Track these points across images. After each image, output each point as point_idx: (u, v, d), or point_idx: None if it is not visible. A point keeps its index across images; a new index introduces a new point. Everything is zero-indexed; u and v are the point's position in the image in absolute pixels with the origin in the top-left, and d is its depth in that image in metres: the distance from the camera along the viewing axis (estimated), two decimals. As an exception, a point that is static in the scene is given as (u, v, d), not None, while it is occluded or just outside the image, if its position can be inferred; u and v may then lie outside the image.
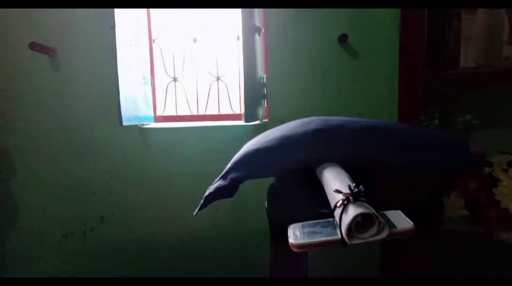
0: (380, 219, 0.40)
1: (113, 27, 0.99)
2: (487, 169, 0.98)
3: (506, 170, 0.97)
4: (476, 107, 1.00)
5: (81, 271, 1.15)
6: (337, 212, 0.43)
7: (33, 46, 1.08)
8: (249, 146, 0.68)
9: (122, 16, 1.02)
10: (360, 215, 0.40)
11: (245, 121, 1.06)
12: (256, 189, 0.85)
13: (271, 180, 0.72)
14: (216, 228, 1.14)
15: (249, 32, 1.03)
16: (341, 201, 0.43)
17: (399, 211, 0.45)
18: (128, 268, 1.13)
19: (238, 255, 1.14)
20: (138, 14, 1.10)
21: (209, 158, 1.09)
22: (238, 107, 1.20)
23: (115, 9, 0.99)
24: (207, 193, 0.66)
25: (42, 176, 1.13)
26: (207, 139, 1.10)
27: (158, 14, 1.18)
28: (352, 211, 0.40)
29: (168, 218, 1.14)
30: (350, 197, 0.42)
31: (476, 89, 1.04)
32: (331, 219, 0.46)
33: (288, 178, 0.67)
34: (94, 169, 1.12)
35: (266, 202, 0.72)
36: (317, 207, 0.54)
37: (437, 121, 0.99)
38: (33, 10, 1.10)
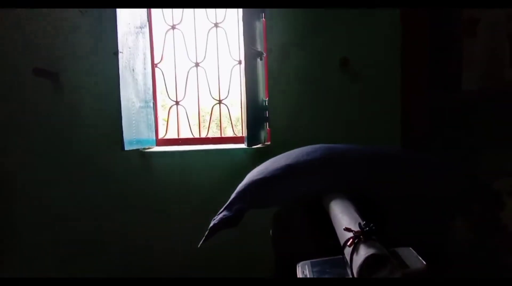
0: (392, 260, 0.39)
1: (116, 52, 0.99)
2: (492, 193, 0.97)
3: (511, 194, 0.96)
4: (481, 129, 0.99)
5: None
6: (347, 251, 0.42)
7: (37, 71, 1.08)
8: (253, 175, 0.67)
9: (125, 41, 1.02)
10: (372, 256, 0.39)
11: (248, 144, 1.06)
12: (260, 217, 0.84)
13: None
14: (218, 254, 1.12)
15: (250, 56, 1.04)
16: (351, 240, 0.42)
17: (411, 248, 0.44)
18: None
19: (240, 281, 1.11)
20: (141, 39, 1.11)
21: (211, 181, 1.08)
22: (240, 131, 1.20)
23: (119, 36, 0.99)
24: (211, 224, 0.65)
25: (40, 201, 1.12)
26: (209, 162, 1.09)
27: (161, 38, 1.19)
28: (364, 252, 0.40)
29: (169, 242, 1.12)
30: (361, 236, 0.41)
31: (480, 110, 1.04)
32: (340, 256, 0.45)
33: (294, 207, 0.66)
34: (96, 193, 1.12)
35: (270, 231, 0.71)
36: (324, 237, 0.53)
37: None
38: (36, 36, 1.11)
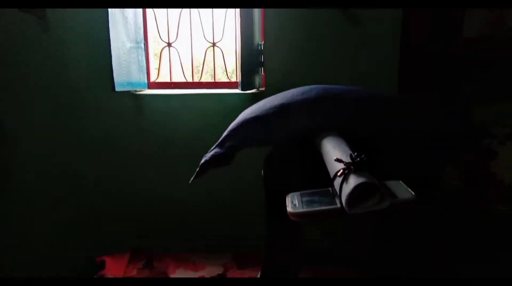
0: (382, 189, 0.39)
1: (105, -13, 0.94)
2: (484, 142, 0.98)
3: (503, 143, 0.97)
4: (477, 79, 0.98)
5: (74, 238, 1.15)
6: (337, 182, 0.42)
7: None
8: (247, 113, 0.66)
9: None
10: (362, 185, 0.39)
11: (242, 89, 1.04)
12: (254, 164, 0.83)
13: (267, 149, 0.70)
14: (212, 200, 1.13)
15: (247, -4, 0.99)
16: (341, 170, 0.41)
17: (400, 181, 0.44)
18: (121, 235, 1.13)
19: (233, 228, 1.14)
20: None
21: (204, 126, 1.07)
22: (235, 75, 1.17)
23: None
24: (203, 161, 0.65)
25: (31, 144, 1.11)
26: (203, 107, 1.08)
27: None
28: (354, 181, 0.39)
29: (162, 186, 1.12)
30: (352, 167, 0.41)
31: (478, 60, 1.02)
32: (330, 188, 0.45)
33: (286, 147, 0.65)
34: (87, 135, 1.10)
35: (262, 172, 0.71)
36: (315, 176, 0.53)
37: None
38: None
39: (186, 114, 1.08)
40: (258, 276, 0.76)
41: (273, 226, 0.63)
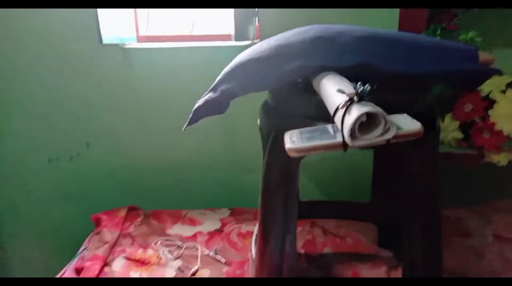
0: (387, 117, 0.37)
1: None
2: (484, 90, 0.95)
3: (504, 92, 0.95)
4: (479, 25, 0.94)
5: (70, 197, 1.13)
6: (338, 115, 0.40)
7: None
8: (241, 57, 0.62)
9: None
10: (365, 115, 0.37)
11: (236, 40, 1.00)
12: (248, 113, 0.81)
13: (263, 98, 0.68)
14: (206, 155, 1.12)
15: None
16: (344, 102, 0.39)
17: (406, 114, 0.42)
18: (115, 194, 1.12)
19: (229, 182, 1.13)
20: None
21: (197, 81, 1.03)
22: (228, 27, 1.12)
23: None
24: (196, 106, 0.62)
25: (20, 98, 1.07)
26: (195, 61, 1.04)
27: None
28: (356, 110, 0.37)
29: (156, 143, 1.10)
30: (355, 97, 0.38)
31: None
32: (331, 124, 0.43)
33: (284, 92, 0.63)
34: (75, 92, 1.06)
35: (258, 120, 0.69)
36: (315, 120, 0.51)
37: (439, 38, 0.94)
38: None
39: (178, 67, 1.04)
40: (255, 231, 0.75)
41: (269, 176, 0.61)
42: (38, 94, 1.07)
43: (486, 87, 0.90)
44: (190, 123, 0.63)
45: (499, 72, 0.64)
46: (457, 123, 0.95)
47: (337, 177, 1.10)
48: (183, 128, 0.62)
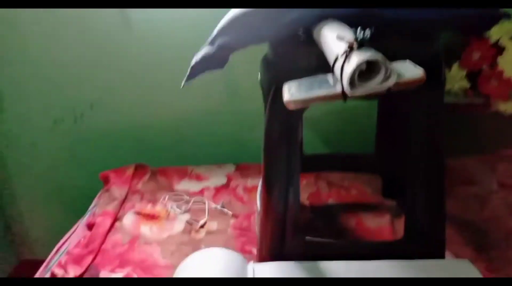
0: (388, 64, 0.36)
1: None
2: (493, 37, 0.92)
3: (513, 38, 0.91)
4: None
5: (76, 156, 1.15)
6: (338, 64, 0.39)
7: None
8: (238, 9, 0.60)
9: None
10: (365, 63, 0.36)
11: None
12: (250, 69, 0.79)
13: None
14: (209, 112, 1.11)
15: None
16: (343, 50, 0.38)
17: (408, 60, 0.40)
18: (121, 153, 1.13)
19: (233, 139, 1.13)
20: None
21: (198, 37, 1.01)
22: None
23: None
24: (193, 62, 0.61)
25: (23, 61, 1.06)
26: (195, 17, 1.00)
27: None
28: (356, 58, 0.36)
29: (159, 102, 1.10)
30: (354, 45, 0.37)
31: None
32: (331, 74, 0.42)
33: (284, 45, 0.61)
34: (76, 53, 1.05)
35: (259, 74, 0.67)
36: (317, 73, 0.50)
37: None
38: None
39: (179, 25, 1.01)
40: (259, 184, 0.76)
41: (271, 131, 0.61)
42: (40, 57, 1.06)
43: (494, 34, 0.87)
44: (188, 79, 0.62)
45: (508, 17, 0.61)
46: (464, 72, 0.93)
47: (341, 130, 1.09)
48: (182, 85, 0.62)
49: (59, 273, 0.68)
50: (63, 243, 0.80)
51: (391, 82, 0.37)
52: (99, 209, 0.86)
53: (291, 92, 0.41)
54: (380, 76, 0.37)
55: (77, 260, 0.72)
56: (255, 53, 0.65)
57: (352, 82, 0.37)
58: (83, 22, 1.01)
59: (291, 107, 0.40)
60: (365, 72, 0.37)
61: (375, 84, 0.37)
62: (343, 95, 0.38)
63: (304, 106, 0.41)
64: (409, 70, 0.38)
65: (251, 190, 0.93)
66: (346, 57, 0.37)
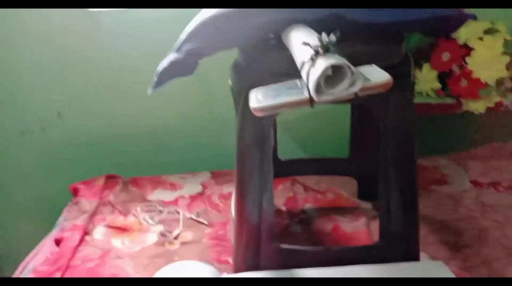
0: (354, 69, 0.35)
1: None
2: (462, 38, 0.94)
3: (481, 39, 0.93)
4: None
5: (44, 168, 1.11)
6: (304, 70, 0.38)
7: None
8: (205, 13, 0.59)
9: None
10: (331, 68, 0.35)
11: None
12: (225, 74, 0.78)
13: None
14: (184, 119, 1.09)
15: None
16: (309, 56, 0.37)
17: (374, 65, 0.40)
18: (92, 162, 1.10)
19: (209, 145, 1.11)
20: None
21: (169, 41, 0.99)
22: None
23: None
24: (160, 68, 0.59)
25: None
26: (169, 21, 0.98)
27: None
28: (322, 63, 0.35)
29: (131, 110, 1.07)
30: (320, 50, 0.36)
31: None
32: (297, 80, 0.41)
33: (253, 50, 0.60)
34: (41, 59, 1.01)
35: (229, 80, 0.66)
36: (285, 77, 0.49)
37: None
38: None
39: (148, 29, 0.99)
40: (233, 191, 0.75)
41: (243, 138, 0.60)
42: (3, 64, 1.01)
43: (463, 35, 0.89)
44: (155, 86, 0.60)
45: (473, 17, 0.62)
46: (435, 73, 0.94)
47: (316, 134, 1.09)
48: (148, 92, 0.60)
49: (25, 292, 0.65)
50: (30, 260, 0.76)
51: (357, 87, 0.36)
52: (68, 223, 0.83)
53: (257, 98, 0.39)
54: (346, 82, 0.36)
55: (44, 278, 0.68)
56: (230, 58, 0.64)
57: (318, 89, 0.36)
58: (47, 26, 0.98)
59: (258, 114, 0.39)
60: (332, 77, 0.37)
61: (342, 90, 0.36)
62: (310, 101, 0.37)
63: (271, 113, 0.40)
64: (376, 75, 0.38)
65: (227, 197, 0.92)
66: (312, 62, 0.37)
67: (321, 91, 0.36)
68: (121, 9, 0.98)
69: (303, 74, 0.39)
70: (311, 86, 0.36)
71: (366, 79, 0.37)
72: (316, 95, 0.36)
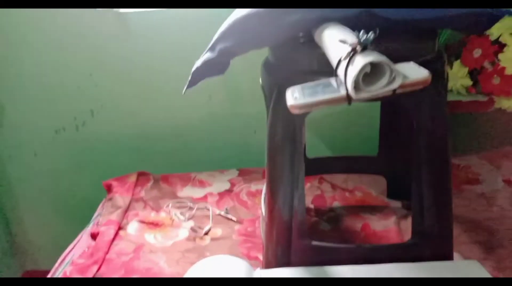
0: (393, 66, 0.36)
1: None
2: (494, 34, 0.92)
3: (514, 34, 0.91)
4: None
5: (78, 165, 1.15)
6: (341, 67, 0.38)
7: None
8: (238, 13, 0.60)
9: None
10: (370, 65, 0.35)
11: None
12: (250, 73, 0.79)
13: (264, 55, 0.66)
14: (211, 117, 1.11)
15: None
16: (346, 53, 0.37)
17: (412, 62, 0.40)
18: (124, 159, 1.13)
19: (235, 143, 1.13)
20: None
21: (198, 42, 1.01)
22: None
23: None
24: (194, 68, 0.60)
25: (20, 69, 1.06)
26: (199, 21, 1.00)
27: None
28: (360, 61, 0.35)
29: (160, 108, 1.10)
30: (358, 47, 0.37)
31: None
32: (334, 78, 0.42)
33: (285, 48, 0.61)
34: (74, 59, 1.04)
35: (260, 79, 0.67)
36: (318, 75, 0.49)
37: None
38: None
39: (178, 29, 1.01)
40: (263, 189, 0.76)
41: (274, 135, 0.61)
42: (38, 65, 1.05)
43: (495, 31, 0.87)
44: (189, 86, 0.61)
45: (509, 13, 0.61)
46: (466, 70, 0.92)
47: (344, 132, 1.09)
48: (183, 92, 0.61)
49: (65, 284, 0.67)
50: (68, 254, 0.79)
51: (396, 84, 0.36)
52: (103, 218, 0.86)
53: (294, 96, 0.40)
54: (385, 79, 0.36)
55: (82, 271, 0.71)
56: (256, 57, 0.65)
57: (356, 86, 0.36)
58: (79, 26, 1.01)
59: (295, 112, 0.40)
60: (370, 74, 0.37)
61: (380, 87, 0.36)
62: (348, 98, 0.38)
63: (308, 110, 0.40)
64: (414, 72, 0.38)
65: (255, 195, 0.93)
66: (350, 59, 0.37)
67: (359, 88, 0.37)
68: (151, 9, 1.01)
69: (340, 71, 0.39)
70: (349, 83, 0.36)
71: (404, 76, 0.37)
72: (354, 92, 0.36)
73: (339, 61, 0.39)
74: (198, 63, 0.61)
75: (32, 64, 1.05)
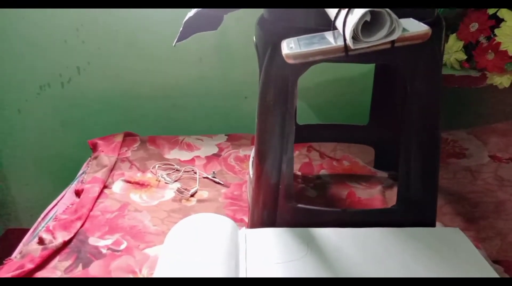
0: (393, 15, 0.34)
1: None
2: (491, 8, 0.90)
3: (512, 9, 0.90)
4: None
5: (63, 123, 1.12)
6: (340, 19, 0.37)
7: None
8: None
9: None
10: (370, 15, 0.34)
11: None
12: (244, 37, 0.77)
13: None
14: (201, 80, 1.09)
15: None
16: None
17: (411, 18, 0.39)
18: (110, 119, 1.11)
19: (225, 107, 1.11)
20: None
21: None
22: None
23: None
24: (186, 18, 0.58)
25: (3, 22, 1.01)
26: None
27: None
28: (360, 9, 0.34)
29: (150, 68, 1.07)
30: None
31: None
32: (331, 31, 0.40)
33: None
34: (61, 14, 1.00)
35: (254, 37, 0.65)
36: (313, 33, 0.48)
37: None
38: None
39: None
40: (252, 153, 0.75)
41: (266, 95, 0.59)
42: (23, 19, 1.01)
43: (493, 5, 0.85)
44: (180, 38, 0.59)
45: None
46: (461, 44, 0.91)
47: (335, 101, 1.08)
48: (174, 43, 0.59)
49: (47, 238, 0.67)
50: (51, 210, 0.78)
51: (395, 35, 0.35)
52: (88, 176, 0.84)
53: (290, 46, 0.39)
54: (384, 30, 0.35)
55: (65, 226, 0.70)
56: (250, 18, 0.63)
57: (355, 36, 0.35)
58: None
59: (290, 61, 0.38)
60: (368, 27, 0.36)
61: (380, 37, 0.35)
62: (345, 49, 0.36)
63: (304, 60, 0.39)
64: (414, 26, 0.37)
65: (243, 160, 0.92)
66: (349, 10, 0.36)
67: (357, 39, 0.35)
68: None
69: (338, 22, 0.38)
70: (348, 32, 0.35)
71: (404, 28, 0.36)
72: (353, 42, 0.35)
73: (338, 12, 0.38)
74: (190, 13, 0.58)
75: (16, 16, 1.01)
